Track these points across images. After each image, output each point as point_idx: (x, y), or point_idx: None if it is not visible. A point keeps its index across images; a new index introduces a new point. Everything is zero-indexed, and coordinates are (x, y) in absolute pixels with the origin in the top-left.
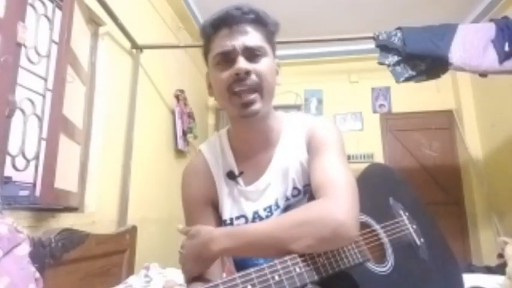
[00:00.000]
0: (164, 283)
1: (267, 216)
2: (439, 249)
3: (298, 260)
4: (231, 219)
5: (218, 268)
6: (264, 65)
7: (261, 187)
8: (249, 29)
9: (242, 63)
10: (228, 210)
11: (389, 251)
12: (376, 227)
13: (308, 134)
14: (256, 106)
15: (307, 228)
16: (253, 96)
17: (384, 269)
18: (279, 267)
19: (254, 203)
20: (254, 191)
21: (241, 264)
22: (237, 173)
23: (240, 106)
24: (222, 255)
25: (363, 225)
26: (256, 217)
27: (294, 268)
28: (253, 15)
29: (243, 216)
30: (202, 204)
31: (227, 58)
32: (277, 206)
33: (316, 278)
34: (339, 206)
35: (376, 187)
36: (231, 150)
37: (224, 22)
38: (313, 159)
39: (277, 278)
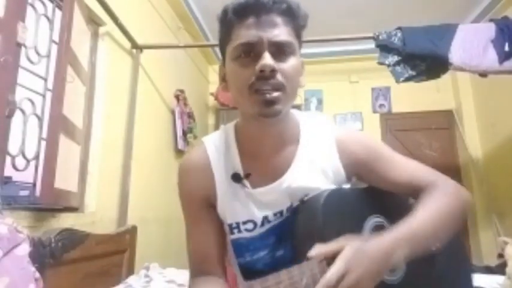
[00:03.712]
0: None
1: (275, 221)
2: (456, 255)
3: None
4: (238, 223)
5: (221, 266)
6: (291, 65)
7: (276, 191)
8: (279, 20)
9: (268, 59)
10: (233, 214)
11: None
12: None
13: (343, 146)
14: (279, 106)
15: (454, 216)
16: (276, 94)
17: (394, 278)
18: (305, 269)
19: (265, 207)
20: (265, 194)
21: (246, 268)
22: (242, 174)
23: (263, 104)
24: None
25: (378, 228)
26: (266, 222)
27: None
28: (285, 4)
29: (251, 221)
30: (202, 203)
31: (251, 51)
32: (287, 211)
33: None
34: (454, 186)
35: None
36: (237, 149)
37: (251, 10)
38: (377, 167)
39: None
